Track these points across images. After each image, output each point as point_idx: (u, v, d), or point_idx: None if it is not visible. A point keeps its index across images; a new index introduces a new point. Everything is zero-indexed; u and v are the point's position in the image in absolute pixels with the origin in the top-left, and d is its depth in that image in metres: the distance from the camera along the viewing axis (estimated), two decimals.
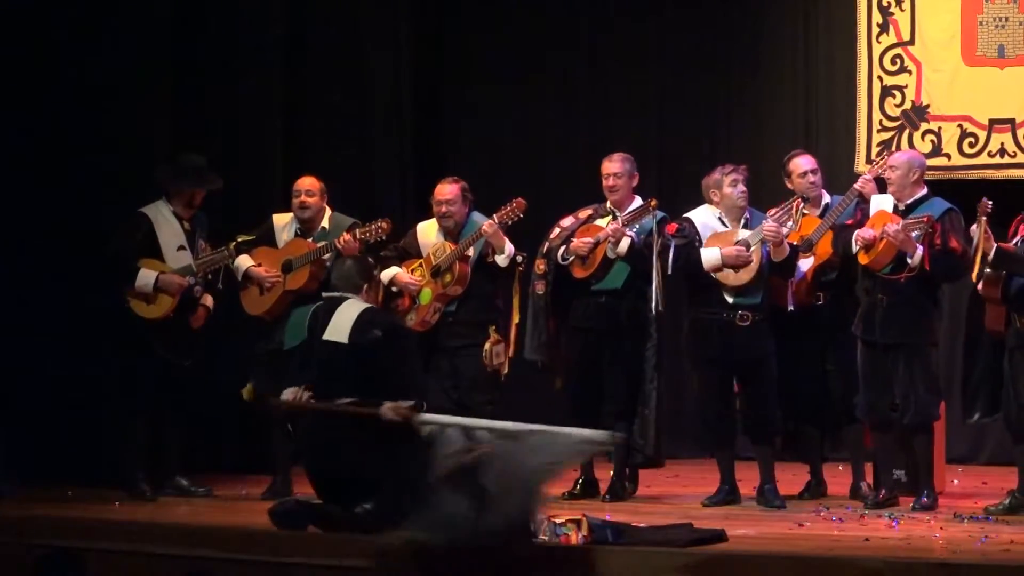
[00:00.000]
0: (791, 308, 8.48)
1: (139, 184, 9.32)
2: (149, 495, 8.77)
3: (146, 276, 8.86)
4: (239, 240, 9.01)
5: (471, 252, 8.90)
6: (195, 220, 9.08)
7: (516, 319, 8.98)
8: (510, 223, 8.88)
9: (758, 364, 8.47)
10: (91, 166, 9.65)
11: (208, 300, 9.06)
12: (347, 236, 8.80)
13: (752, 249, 8.40)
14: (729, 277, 8.46)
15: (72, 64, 9.68)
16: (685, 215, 8.66)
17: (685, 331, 8.68)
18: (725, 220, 8.56)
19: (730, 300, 8.47)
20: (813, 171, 8.80)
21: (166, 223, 9.01)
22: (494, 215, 8.84)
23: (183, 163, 9.09)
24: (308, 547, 6.89)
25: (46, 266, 9.40)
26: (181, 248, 8.99)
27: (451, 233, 8.96)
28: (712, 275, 8.46)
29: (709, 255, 8.47)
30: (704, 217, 8.60)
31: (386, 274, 8.94)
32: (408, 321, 8.75)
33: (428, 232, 9.06)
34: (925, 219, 8.14)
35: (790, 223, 8.45)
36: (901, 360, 8.27)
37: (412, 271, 8.98)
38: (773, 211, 8.52)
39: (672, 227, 8.63)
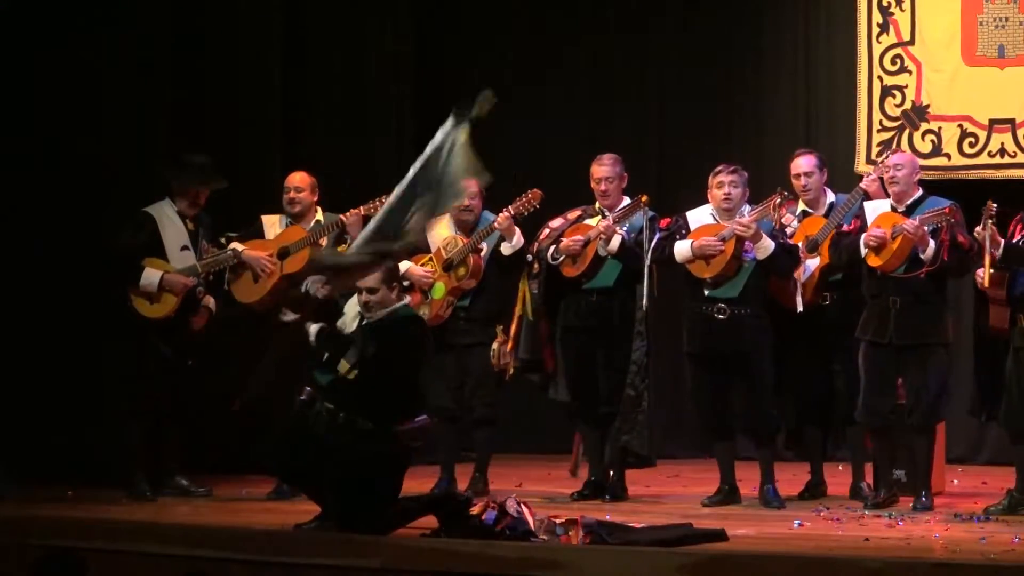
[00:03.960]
0: (800, 309, 8.46)
1: (139, 184, 9.32)
2: (149, 495, 8.77)
3: (151, 275, 8.87)
4: (227, 235, 9.03)
5: (483, 246, 8.90)
6: (199, 220, 9.08)
7: (519, 314, 8.97)
8: (527, 214, 8.88)
9: (744, 360, 8.45)
10: (91, 166, 9.65)
11: (210, 302, 9.06)
12: (353, 211, 8.75)
13: (725, 242, 8.39)
14: (700, 269, 8.47)
15: (72, 64, 9.68)
16: (686, 212, 8.66)
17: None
18: (717, 218, 8.55)
19: (707, 293, 8.48)
20: (807, 174, 8.78)
21: (170, 223, 9.01)
22: (509, 207, 8.84)
23: (188, 161, 9.10)
24: (309, 547, 6.89)
25: (47, 266, 9.40)
26: (184, 248, 9.00)
27: (468, 228, 8.95)
28: (687, 267, 8.49)
29: (681, 246, 8.48)
30: (700, 214, 8.61)
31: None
32: (421, 315, 8.74)
33: (436, 227, 9.05)
34: (947, 210, 8.11)
35: (765, 219, 8.44)
36: (915, 361, 8.26)
37: (422, 266, 8.97)
38: (754, 207, 8.51)
39: (665, 221, 8.65)
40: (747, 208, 8.49)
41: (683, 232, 8.54)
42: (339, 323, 7.55)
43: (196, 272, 8.93)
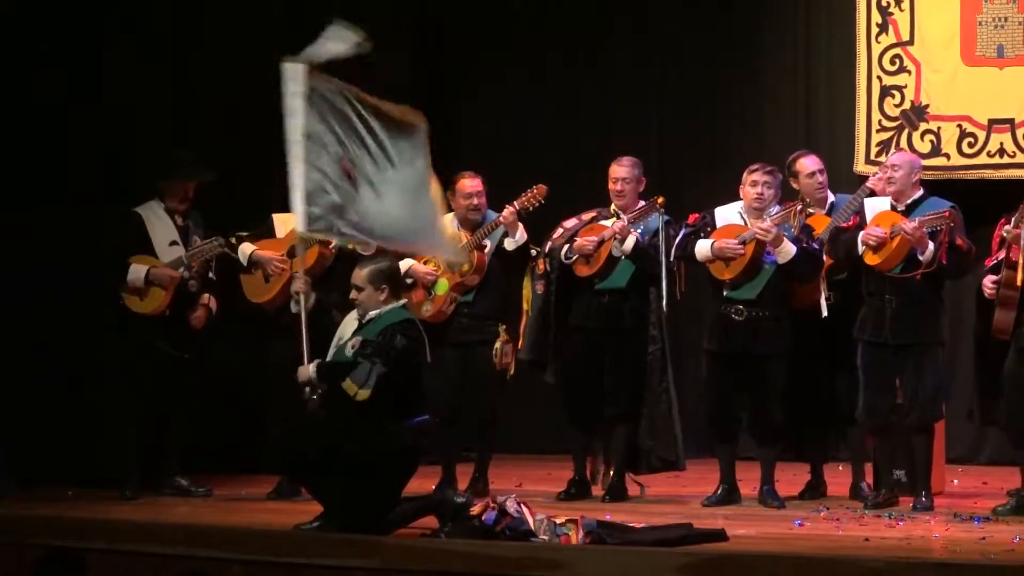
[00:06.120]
0: (824, 314, 8.45)
1: (140, 184, 9.32)
2: (128, 495, 8.74)
3: (137, 270, 8.88)
4: (237, 235, 9.02)
5: (488, 243, 8.90)
6: (188, 216, 9.08)
7: (527, 313, 8.96)
8: (531, 209, 8.87)
9: (758, 362, 8.46)
10: (91, 166, 9.65)
11: (207, 299, 9.05)
12: None
13: (746, 244, 8.39)
14: (719, 270, 8.48)
15: (72, 65, 9.68)
16: (715, 208, 8.66)
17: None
18: (746, 217, 8.55)
19: (726, 294, 8.48)
20: (820, 171, 8.83)
21: (158, 220, 9.03)
22: (514, 202, 8.84)
23: (174, 157, 9.12)
24: (309, 547, 6.89)
25: (47, 265, 9.40)
26: (173, 244, 9.01)
27: (474, 225, 8.95)
28: (707, 267, 8.50)
29: (702, 245, 8.48)
30: (728, 211, 8.60)
31: (400, 265, 8.95)
32: (423, 312, 8.71)
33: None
34: (947, 214, 8.11)
35: (786, 225, 8.44)
36: (911, 360, 8.27)
37: (425, 263, 8.96)
38: (775, 212, 8.51)
39: (693, 217, 8.65)
40: (775, 209, 8.49)
41: (708, 230, 8.54)
42: (335, 343, 7.51)
43: (184, 264, 8.93)
